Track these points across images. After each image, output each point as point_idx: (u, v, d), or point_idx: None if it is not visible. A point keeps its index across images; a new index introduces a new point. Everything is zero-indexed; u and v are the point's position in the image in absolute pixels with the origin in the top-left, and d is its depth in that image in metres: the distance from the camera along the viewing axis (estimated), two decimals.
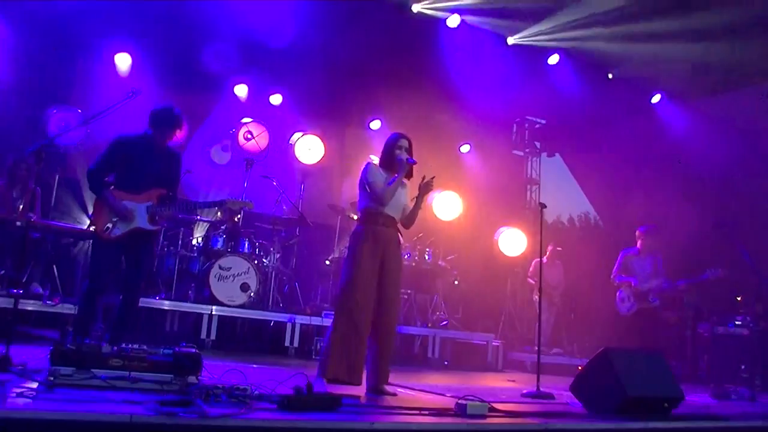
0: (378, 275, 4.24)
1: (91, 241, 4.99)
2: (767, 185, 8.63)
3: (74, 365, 3.07)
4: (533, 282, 9.31)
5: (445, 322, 8.38)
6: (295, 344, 6.93)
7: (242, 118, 8.84)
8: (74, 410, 2.49)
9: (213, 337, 6.62)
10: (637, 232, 7.50)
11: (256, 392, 3.11)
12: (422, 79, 8.77)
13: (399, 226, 4.47)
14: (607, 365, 4.08)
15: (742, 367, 6.54)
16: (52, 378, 3.03)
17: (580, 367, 4.87)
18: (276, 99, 9.45)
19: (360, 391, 4.06)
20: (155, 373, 3.19)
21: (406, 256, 7.91)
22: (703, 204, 9.10)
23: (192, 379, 3.23)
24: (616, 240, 8.57)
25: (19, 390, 2.82)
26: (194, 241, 7.70)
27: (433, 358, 7.80)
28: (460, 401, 3.42)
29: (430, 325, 8.18)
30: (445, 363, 7.94)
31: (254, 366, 5.24)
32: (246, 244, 7.38)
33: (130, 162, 4.51)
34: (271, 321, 7.30)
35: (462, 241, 9.52)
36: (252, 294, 6.97)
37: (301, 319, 7.03)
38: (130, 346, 3.30)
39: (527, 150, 11.46)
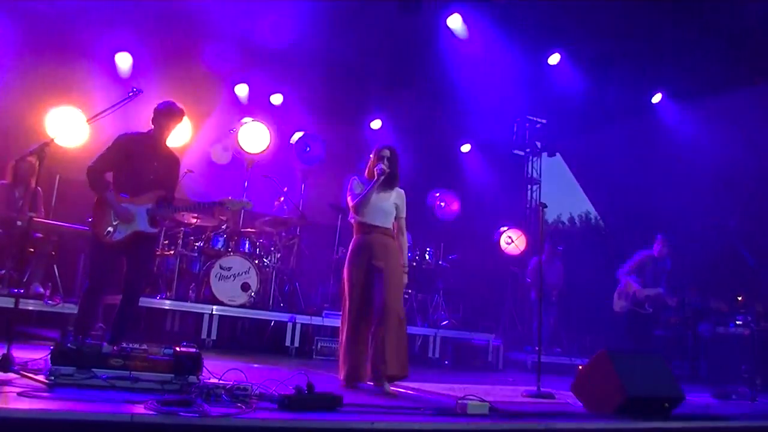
0: (365, 278, 4.37)
1: (90, 243, 4.97)
2: (767, 185, 8.63)
3: (75, 365, 3.06)
4: (530, 281, 9.34)
5: (445, 322, 8.39)
6: (296, 344, 6.93)
7: (242, 118, 8.85)
8: (75, 410, 2.48)
9: (213, 336, 6.61)
10: (657, 237, 7.49)
11: (257, 392, 3.11)
12: (422, 79, 8.77)
13: (400, 228, 4.57)
14: (608, 365, 4.08)
15: (743, 367, 6.54)
16: (52, 378, 3.02)
17: (580, 367, 4.88)
18: (276, 99, 9.45)
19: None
20: (156, 373, 3.18)
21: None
22: (703, 204, 9.10)
23: (192, 378, 3.22)
24: (617, 240, 8.57)
25: (19, 390, 2.82)
26: (195, 241, 7.69)
27: (434, 358, 7.80)
28: (460, 401, 3.41)
29: (430, 325, 8.19)
30: (446, 363, 7.94)
31: (255, 366, 5.23)
32: (246, 244, 7.37)
33: (130, 161, 4.51)
34: (271, 321, 7.31)
35: (462, 241, 9.52)
36: (252, 294, 6.97)
37: (301, 319, 7.03)
38: (130, 345, 3.30)
39: (528, 149, 11.47)
